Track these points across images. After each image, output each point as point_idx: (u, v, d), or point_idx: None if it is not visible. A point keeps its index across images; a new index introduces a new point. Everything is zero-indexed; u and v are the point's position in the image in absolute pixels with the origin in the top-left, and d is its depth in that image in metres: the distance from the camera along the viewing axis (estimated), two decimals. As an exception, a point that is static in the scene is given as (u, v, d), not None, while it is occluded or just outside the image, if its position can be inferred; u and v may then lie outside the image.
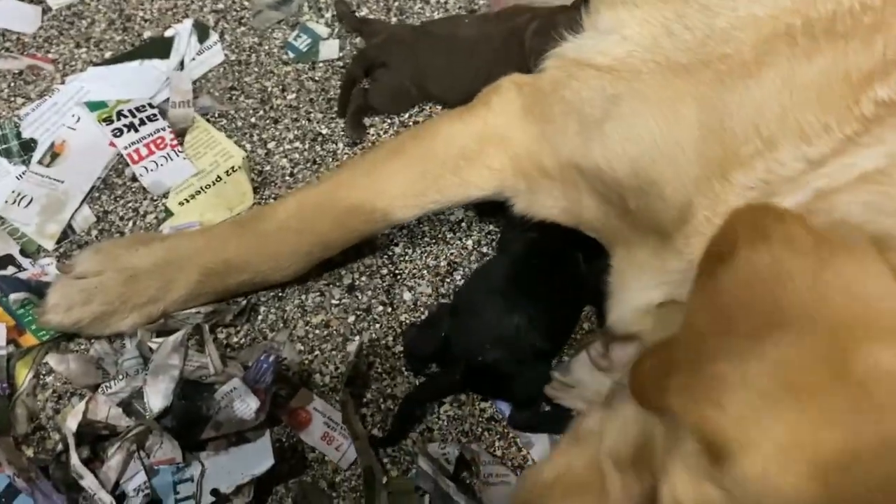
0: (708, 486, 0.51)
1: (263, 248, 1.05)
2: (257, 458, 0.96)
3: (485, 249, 1.18)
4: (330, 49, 1.36)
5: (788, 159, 0.72)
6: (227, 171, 1.23)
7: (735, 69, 0.78)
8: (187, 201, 1.20)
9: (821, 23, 0.76)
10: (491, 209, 1.16)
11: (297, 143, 1.27)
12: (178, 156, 1.23)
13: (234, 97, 1.32)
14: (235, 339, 1.10)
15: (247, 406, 0.97)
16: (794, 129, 0.72)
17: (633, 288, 0.90)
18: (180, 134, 1.26)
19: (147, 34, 1.38)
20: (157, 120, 1.24)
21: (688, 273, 0.79)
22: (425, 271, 1.16)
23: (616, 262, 0.96)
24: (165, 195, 1.21)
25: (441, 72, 1.23)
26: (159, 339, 1.02)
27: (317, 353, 1.09)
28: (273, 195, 1.22)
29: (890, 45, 0.72)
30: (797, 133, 0.72)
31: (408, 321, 1.11)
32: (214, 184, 1.22)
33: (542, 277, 1.07)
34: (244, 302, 1.11)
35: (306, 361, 1.08)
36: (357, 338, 1.09)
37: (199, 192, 1.21)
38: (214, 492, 0.94)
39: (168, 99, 1.29)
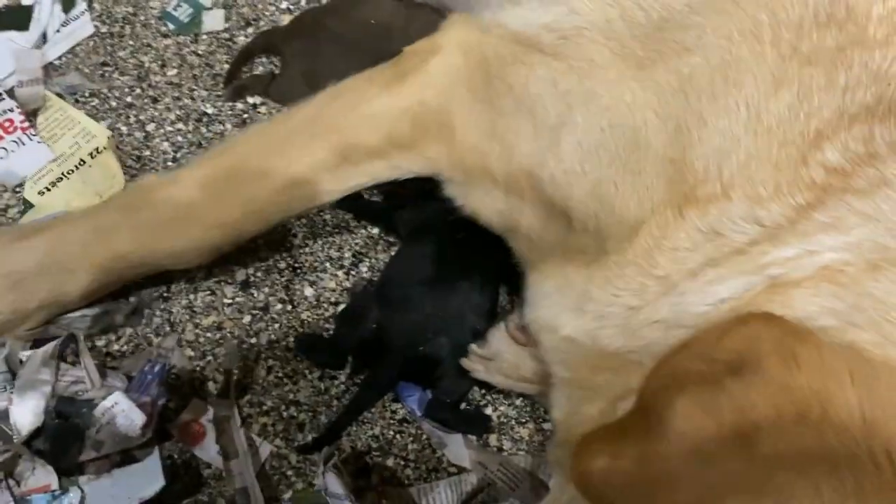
0: None
1: (161, 241, 0.92)
2: (146, 478, 0.88)
3: (392, 238, 1.10)
4: (214, 20, 1.25)
5: (740, 217, 0.68)
6: (91, 154, 1.11)
7: (698, 77, 0.72)
8: (48, 190, 1.08)
9: (789, 31, 0.70)
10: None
11: (180, 125, 1.16)
12: (31, 140, 1.09)
13: (106, 74, 1.19)
14: (117, 347, 0.99)
15: (131, 422, 0.87)
16: (752, 181, 0.68)
17: (547, 308, 0.83)
18: (32, 115, 1.12)
19: (1, 3, 1.22)
20: (3, 100, 1.10)
21: (611, 308, 0.74)
22: (328, 264, 1.07)
23: (533, 278, 0.88)
24: (21, 185, 1.08)
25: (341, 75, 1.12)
26: (30, 352, 0.90)
27: (209, 358, 0.99)
28: (154, 183, 1.10)
29: (850, 86, 0.68)
30: (753, 188, 0.68)
31: (311, 319, 1.03)
32: (78, 168, 1.10)
33: (465, 257, 1.01)
34: (135, 301, 1.00)
35: (198, 368, 0.98)
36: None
37: (62, 178, 1.09)
38: (97, 521, 0.85)
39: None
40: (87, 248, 0.92)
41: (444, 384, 0.98)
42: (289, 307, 1.04)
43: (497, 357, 0.98)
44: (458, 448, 0.98)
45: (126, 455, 0.89)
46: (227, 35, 1.24)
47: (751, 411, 0.48)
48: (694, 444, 0.50)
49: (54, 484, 0.86)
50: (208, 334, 1.01)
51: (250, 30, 1.24)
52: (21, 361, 0.89)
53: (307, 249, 1.08)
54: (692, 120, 0.71)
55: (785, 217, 0.66)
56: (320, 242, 1.09)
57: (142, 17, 1.24)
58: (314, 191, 0.91)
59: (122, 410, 0.87)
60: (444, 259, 1.00)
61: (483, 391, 1.02)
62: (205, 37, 1.23)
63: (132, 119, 1.15)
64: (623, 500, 0.53)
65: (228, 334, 1.01)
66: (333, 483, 0.91)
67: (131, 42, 1.22)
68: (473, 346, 0.98)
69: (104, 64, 1.20)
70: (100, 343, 0.99)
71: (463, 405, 1.01)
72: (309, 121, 0.92)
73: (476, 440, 0.99)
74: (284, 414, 0.97)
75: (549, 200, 0.81)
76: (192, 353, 0.99)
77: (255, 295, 1.04)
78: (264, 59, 1.22)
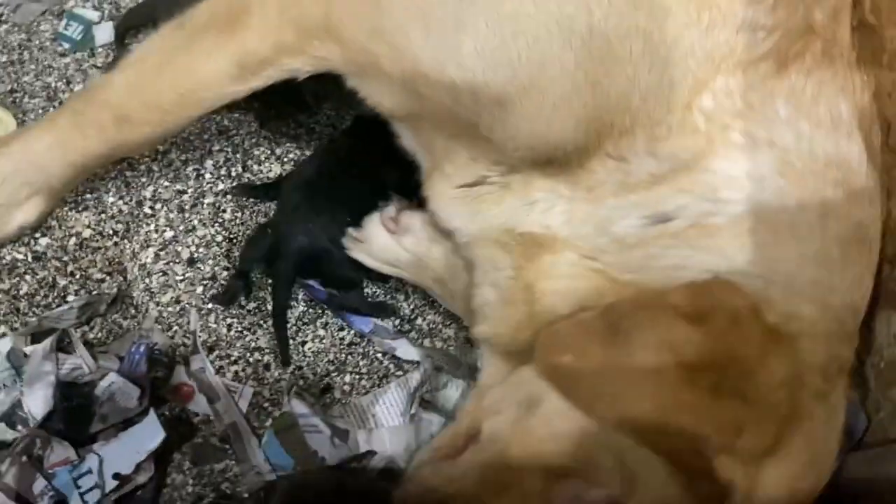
0: None
1: (115, 137, 1.03)
2: (149, 434, 1.03)
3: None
4: (105, 32, 1.35)
5: (642, 153, 0.73)
6: None
7: None
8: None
9: None
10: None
11: (97, 134, 1.28)
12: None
13: (17, 100, 1.29)
14: (92, 335, 1.14)
15: (128, 395, 1.04)
16: (651, 118, 0.71)
17: (473, 222, 0.90)
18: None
19: None
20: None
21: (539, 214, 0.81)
22: (259, 230, 1.24)
23: (438, 192, 0.93)
24: None
25: None
26: (32, 347, 1.06)
27: (175, 328, 1.16)
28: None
29: (749, 25, 0.69)
30: (652, 127, 0.71)
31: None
32: None
33: (345, 167, 1.18)
34: (116, 290, 1.15)
35: (170, 336, 1.15)
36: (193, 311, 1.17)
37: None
38: (116, 475, 1.00)
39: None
40: (56, 149, 1.05)
41: (339, 277, 1.16)
42: (233, 272, 1.20)
43: (369, 241, 1.13)
44: (406, 348, 1.17)
45: (128, 421, 1.04)
46: (121, 44, 1.35)
47: (704, 353, 0.63)
48: (653, 364, 0.64)
49: (73, 456, 1.01)
50: (169, 308, 1.17)
51: (140, 35, 1.35)
52: (25, 355, 1.04)
53: (238, 221, 1.24)
54: (611, 34, 0.69)
55: (676, 160, 0.71)
56: (248, 213, 1.25)
57: (36, 42, 1.34)
58: (222, 93, 0.98)
59: (119, 387, 1.04)
60: (323, 173, 1.17)
61: (412, 306, 1.22)
62: (100, 49, 1.35)
63: (52, 136, 1.27)
64: (579, 390, 0.67)
65: (187, 305, 1.17)
66: (298, 405, 1.09)
67: (33, 66, 1.32)
68: (351, 230, 1.13)
69: (12, 91, 1.30)
70: (76, 334, 1.13)
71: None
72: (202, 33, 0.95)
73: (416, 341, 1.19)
74: (251, 360, 1.15)
75: (453, 105, 0.80)
76: (159, 327, 1.15)
77: (202, 268, 1.20)
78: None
